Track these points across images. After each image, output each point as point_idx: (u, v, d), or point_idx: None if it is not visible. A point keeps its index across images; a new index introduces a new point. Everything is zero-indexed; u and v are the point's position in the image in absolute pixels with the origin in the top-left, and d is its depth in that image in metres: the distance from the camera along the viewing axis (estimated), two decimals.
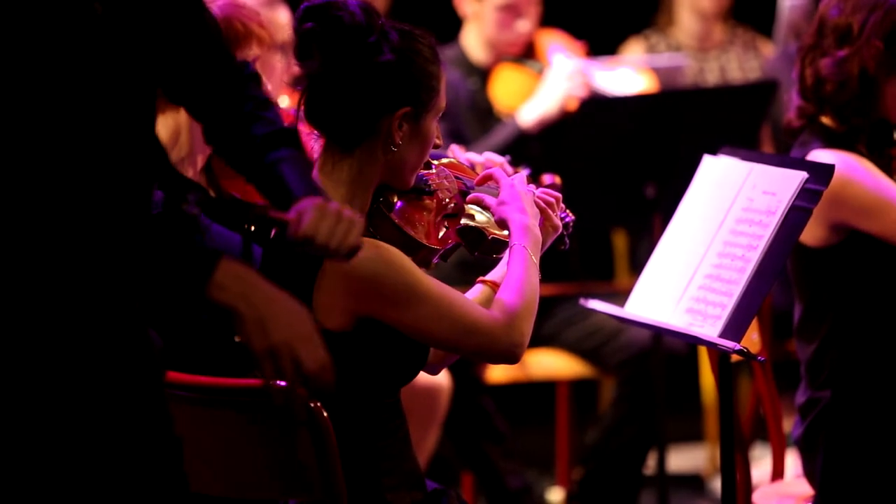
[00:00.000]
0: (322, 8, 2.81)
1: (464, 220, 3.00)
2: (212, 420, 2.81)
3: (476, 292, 2.99)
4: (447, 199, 3.00)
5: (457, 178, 3.05)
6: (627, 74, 5.52)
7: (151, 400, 2.39)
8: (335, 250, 2.39)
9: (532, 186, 3.05)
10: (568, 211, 3.13)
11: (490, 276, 3.01)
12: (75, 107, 2.26)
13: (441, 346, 2.85)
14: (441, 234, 2.97)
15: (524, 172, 3.10)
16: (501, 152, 5.04)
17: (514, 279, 2.86)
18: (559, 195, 3.07)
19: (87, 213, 2.25)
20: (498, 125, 5.34)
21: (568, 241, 3.11)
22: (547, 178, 3.53)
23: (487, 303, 2.91)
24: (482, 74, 5.49)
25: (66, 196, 2.23)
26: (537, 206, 3.02)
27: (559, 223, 3.05)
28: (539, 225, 3.00)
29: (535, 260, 2.90)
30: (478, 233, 3.00)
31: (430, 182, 2.98)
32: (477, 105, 5.44)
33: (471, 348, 2.82)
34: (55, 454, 2.30)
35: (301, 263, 2.77)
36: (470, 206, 3.02)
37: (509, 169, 3.36)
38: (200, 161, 3.37)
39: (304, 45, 2.82)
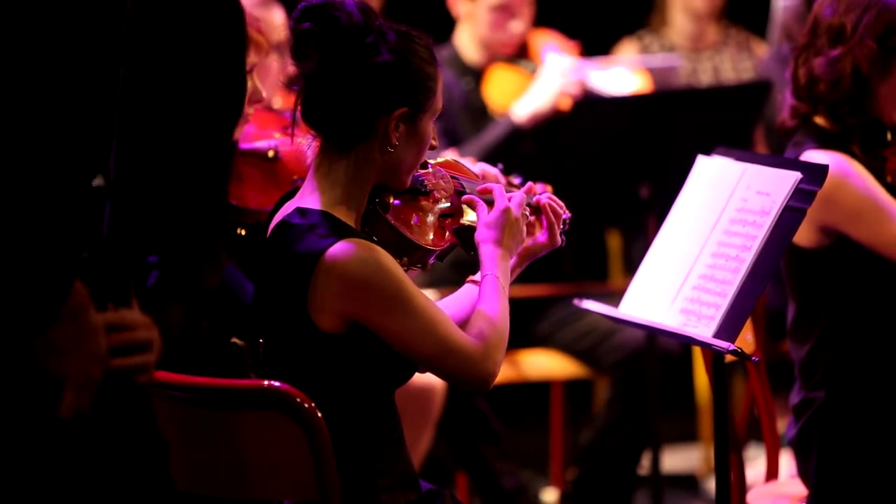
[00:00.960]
0: (319, 8, 2.81)
1: (460, 220, 3.00)
2: (207, 421, 2.81)
3: (465, 292, 2.99)
4: (443, 200, 3.00)
5: (453, 177, 3.05)
6: (621, 75, 5.51)
7: (135, 403, 2.38)
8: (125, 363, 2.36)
9: (538, 196, 3.05)
10: (564, 208, 3.13)
11: (479, 278, 3.01)
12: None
13: (419, 361, 2.82)
14: (438, 234, 2.97)
15: (523, 191, 3.07)
16: (495, 150, 5.09)
17: (489, 309, 2.85)
18: (562, 203, 3.08)
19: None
20: (491, 124, 5.34)
21: (565, 239, 3.11)
22: (539, 188, 3.52)
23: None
24: (476, 75, 5.48)
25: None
26: (546, 218, 3.03)
27: (559, 241, 3.06)
28: (540, 241, 3.02)
29: (506, 288, 2.91)
30: (474, 232, 3.00)
31: (426, 182, 2.98)
32: (471, 105, 5.43)
33: (447, 369, 2.81)
34: (39, 458, 2.29)
35: (296, 265, 2.77)
36: (466, 206, 3.02)
37: (503, 180, 3.37)
38: None
39: (301, 45, 2.82)
